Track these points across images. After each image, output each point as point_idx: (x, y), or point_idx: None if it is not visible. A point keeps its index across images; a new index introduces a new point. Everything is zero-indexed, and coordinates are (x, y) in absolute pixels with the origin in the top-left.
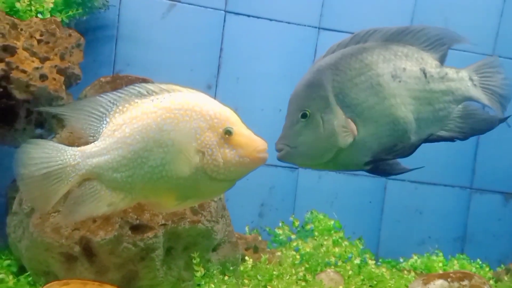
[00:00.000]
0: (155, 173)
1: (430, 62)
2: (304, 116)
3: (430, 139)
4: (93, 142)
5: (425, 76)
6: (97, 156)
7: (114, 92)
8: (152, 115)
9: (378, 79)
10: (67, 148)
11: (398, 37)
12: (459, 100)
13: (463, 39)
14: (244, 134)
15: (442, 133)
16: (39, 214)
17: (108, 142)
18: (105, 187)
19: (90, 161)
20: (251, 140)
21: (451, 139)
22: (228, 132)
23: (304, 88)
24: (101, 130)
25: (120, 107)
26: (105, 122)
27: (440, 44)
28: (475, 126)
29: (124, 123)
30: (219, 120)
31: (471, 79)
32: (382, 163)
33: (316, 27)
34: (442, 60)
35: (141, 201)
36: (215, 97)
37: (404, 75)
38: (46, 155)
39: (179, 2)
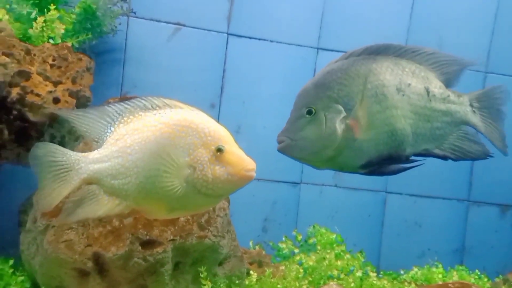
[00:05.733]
0: (148, 183)
1: (434, 83)
2: (309, 112)
3: (423, 154)
4: (97, 148)
5: (428, 94)
6: (99, 162)
7: (122, 103)
8: (152, 128)
9: (383, 89)
10: (72, 153)
11: (409, 55)
12: (457, 123)
13: (471, 63)
14: (234, 153)
15: (437, 150)
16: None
17: (110, 150)
18: (103, 192)
19: (92, 166)
20: (241, 159)
21: (443, 158)
22: (219, 150)
23: (313, 86)
24: (105, 138)
25: (125, 118)
26: (109, 130)
27: (447, 69)
28: (466, 152)
29: (126, 133)
30: (212, 138)
31: (471, 105)
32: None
33: (315, 48)
34: (448, 84)
35: (134, 208)
36: (218, 115)
37: (408, 90)
38: (53, 159)
39: (184, 26)
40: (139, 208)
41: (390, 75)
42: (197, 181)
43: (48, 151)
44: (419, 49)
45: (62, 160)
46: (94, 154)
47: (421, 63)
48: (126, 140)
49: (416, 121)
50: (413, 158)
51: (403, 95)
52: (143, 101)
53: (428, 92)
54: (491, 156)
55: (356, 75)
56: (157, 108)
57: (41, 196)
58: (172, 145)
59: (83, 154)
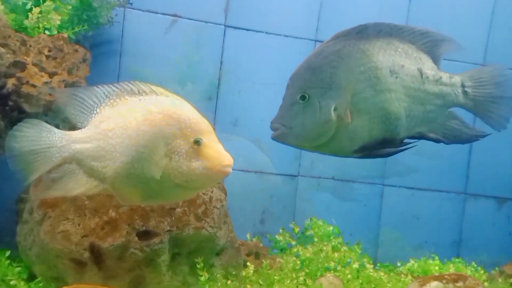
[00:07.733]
0: (125, 169)
1: (427, 64)
2: (303, 98)
3: (417, 137)
4: (81, 128)
5: (421, 76)
6: (81, 142)
7: (110, 85)
8: (135, 114)
9: (376, 72)
10: (56, 130)
11: (401, 34)
12: (448, 105)
13: (459, 47)
14: (212, 147)
15: (430, 133)
16: (49, 221)
17: (93, 132)
18: (82, 172)
19: (74, 146)
20: (218, 154)
21: (436, 141)
22: (197, 143)
23: (306, 70)
24: (90, 118)
25: (112, 101)
26: (95, 112)
27: (439, 49)
28: (457, 135)
29: (110, 116)
30: (192, 130)
31: (463, 86)
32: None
33: (312, 40)
34: (437, 64)
35: (110, 192)
36: (215, 108)
37: (401, 72)
38: (37, 134)
39: (181, 17)
40: (114, 193)
41: (383, 56)
42: (172, 171)
43: (33, 126)
44: (411, 29)
45: (45, 136)
46: (77, 134)
47: (413, 43)
48: (109, 123)
49: (410, 104)
50: (406, 141)
51: (397, 77)
52: (130, 85)
53: (421, 73)
54: (483, 137)
55: (348, 58)
56: (144, 93)
57: (20, 168)
58: (151, 133)
59: (67, 132)
